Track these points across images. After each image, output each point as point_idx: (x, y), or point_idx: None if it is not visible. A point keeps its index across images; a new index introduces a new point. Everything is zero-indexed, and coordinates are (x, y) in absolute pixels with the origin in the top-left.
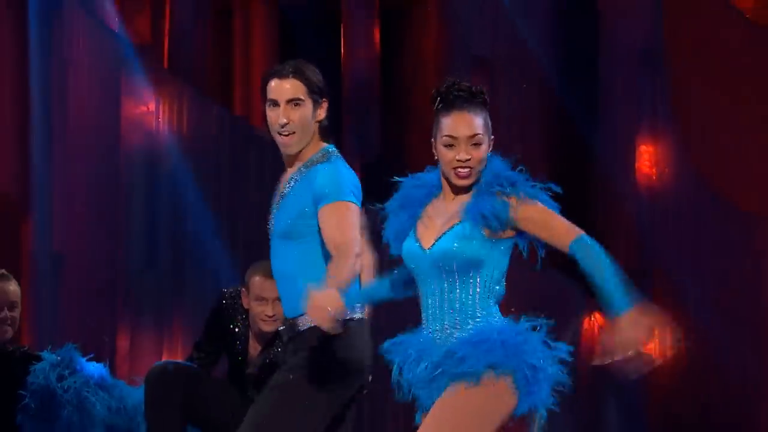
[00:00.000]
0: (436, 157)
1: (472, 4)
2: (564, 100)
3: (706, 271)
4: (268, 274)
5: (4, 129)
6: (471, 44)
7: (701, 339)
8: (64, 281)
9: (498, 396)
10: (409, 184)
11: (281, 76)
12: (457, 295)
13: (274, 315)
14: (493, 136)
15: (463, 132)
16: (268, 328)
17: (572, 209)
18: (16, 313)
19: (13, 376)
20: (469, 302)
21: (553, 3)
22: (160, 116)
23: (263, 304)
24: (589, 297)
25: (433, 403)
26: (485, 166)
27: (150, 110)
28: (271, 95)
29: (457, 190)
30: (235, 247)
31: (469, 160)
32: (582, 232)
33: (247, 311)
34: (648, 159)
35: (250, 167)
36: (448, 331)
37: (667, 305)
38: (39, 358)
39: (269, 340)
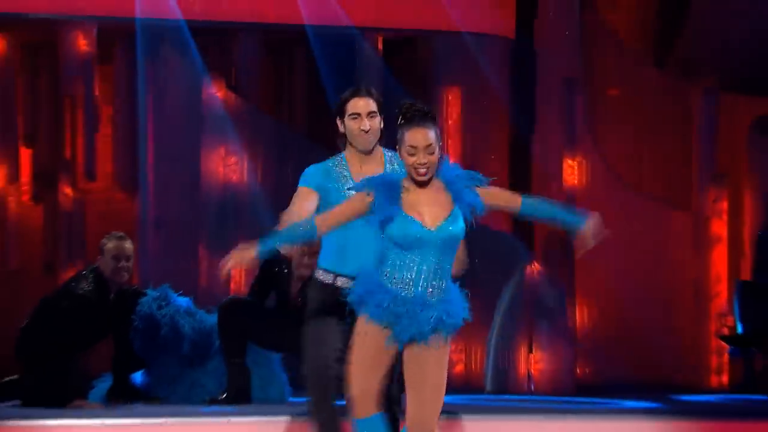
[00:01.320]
0: (402, 159)
1: (446, 46)
2: (513, 115)
3: (615, 241)
4: None
5: (120, 137)
6: (448, 74)
7: (613, 290)
8: (161, 239)
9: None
10: (377, 185)
11: (361, 95)
12: (446, 265)
13: (309, 263)
14: (441, 143)
15: (422, 143)
16: (306, 272)
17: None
18: (131, 263)
19: (127, 306)
20: (448, 270)
21: (504, 43)
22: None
23: (301, 255)
24: (530, 251)
25: (419, 333)
26: (439, 165)
27: (222, 123)
28: (354, 110)
29: (420, 184)
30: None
31: (426, 163)
32: (522, 195)
33: (289, 261)
34: (570, 158)
35: (290, 161)
36: (434, 291)
37: (586, 267)
38: (144, 294)
39: (305, 282)
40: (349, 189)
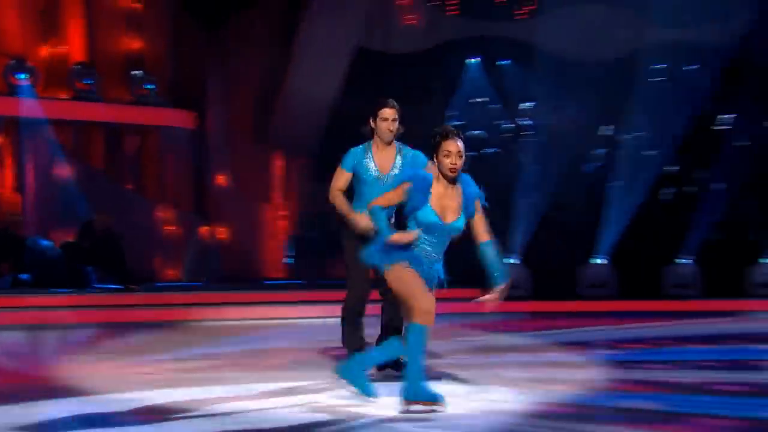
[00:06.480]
0: (436, 164)
1: None
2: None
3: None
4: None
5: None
6: None
7: (239, 233)
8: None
9: None
10: (417, 177)
11: (389, 106)
12: (446, 244)
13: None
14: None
15: (455, 149)
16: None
17: None
18: None
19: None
20: (445, 246)
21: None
22: None
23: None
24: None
25: (430, 281)
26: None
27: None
28: (383, 115)
29: (450, 181)
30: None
31: (456, 164)
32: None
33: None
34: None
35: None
36: (437, 258)
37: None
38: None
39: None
40: (374, 169)
